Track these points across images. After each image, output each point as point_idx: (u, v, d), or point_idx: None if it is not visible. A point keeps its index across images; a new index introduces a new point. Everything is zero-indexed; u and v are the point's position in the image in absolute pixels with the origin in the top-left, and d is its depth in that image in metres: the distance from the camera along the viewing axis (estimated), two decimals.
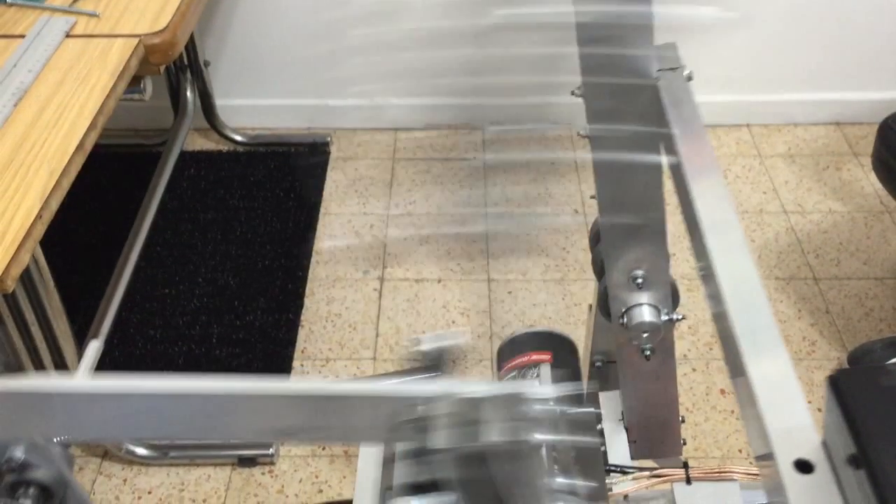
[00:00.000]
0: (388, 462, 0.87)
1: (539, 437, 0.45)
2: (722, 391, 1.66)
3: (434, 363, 0.56)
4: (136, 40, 1.24)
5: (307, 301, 1.86)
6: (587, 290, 1.88)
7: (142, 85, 1.23)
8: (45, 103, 1.10)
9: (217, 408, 0.49)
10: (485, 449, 0.44)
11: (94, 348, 0.62)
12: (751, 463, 1.53)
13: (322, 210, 2.09)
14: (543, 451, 0.50)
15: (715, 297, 0.63)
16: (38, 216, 0.93)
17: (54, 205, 0.97)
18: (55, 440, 0.58)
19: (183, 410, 0.49)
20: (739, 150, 2.26)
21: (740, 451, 1.56)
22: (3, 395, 0.48)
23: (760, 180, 2.16)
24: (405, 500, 0.50)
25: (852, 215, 2.05)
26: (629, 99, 0.80)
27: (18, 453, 0.56)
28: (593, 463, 0.74)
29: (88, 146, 1.05)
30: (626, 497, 0.79)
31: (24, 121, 1.07)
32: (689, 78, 0.78)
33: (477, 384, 0.46)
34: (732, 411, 1.62)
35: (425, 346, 0.55)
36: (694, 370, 1.70)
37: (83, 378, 0.49)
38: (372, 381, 0.52)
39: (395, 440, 0.49)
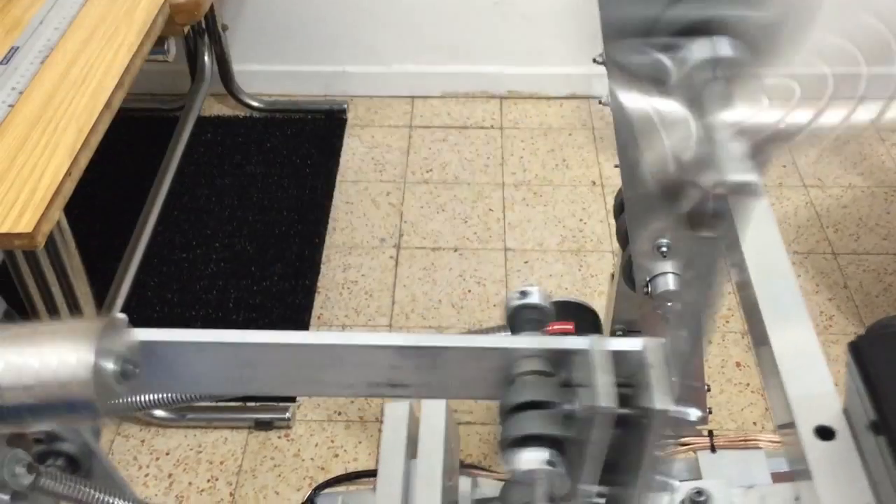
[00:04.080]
0: (413, 429, 0.87)
1: (649, 405, 0.42)
2: (738, 364, 1.66)
3: (516, 320, 0.54)
4: None
5: (323, 267, 1.86)
6: (604, 261, 1.88)
7: (166, 46, 1.23)
8: (73, 61, 1.10)
9: (310, 360, 0.47)
10: (599, 411, 0.41)
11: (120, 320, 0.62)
12: (773, 430, 1.53)
13: (339, 177, 2.09)
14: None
15: (738, 266, 0.63)
16: (68, 173, 0.94)
17: (83, 162, 0.98)
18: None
19: (278, 363, 0.48)
20: None
21: (755, 423, 1.57)
22: None
23: (780, 154, 2.14)
24: (505, 453, 0.47)
25: (872, 190, 2.04)
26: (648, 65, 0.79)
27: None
28: None
29: (116, 105, 1.05)
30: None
31: (51, 78, 1.08)
32: (714, 44, 0.77)
33: (591, 340, 0.44)
34: (748, 384, 1.63)
35: (512, 303, 0.53)
36: (709, 342, 1.70)
37: None
38: (463, 336, 0.48)
39: (500, 396, 0.46)
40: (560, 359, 0.46)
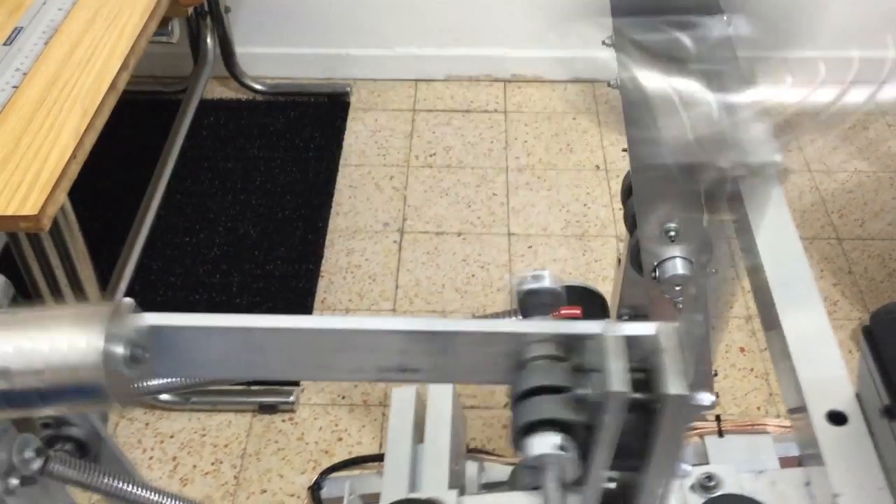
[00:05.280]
0: (420, 414, 0.87)
1: (661, 390, 0.41)
2: (741, 349, 1.66)
3: (526, 304, 0.54)
4: None
5: (327, 252, 1.86)
6: (607, 246, 1.87)
7: (169, 27, 1.23)
8: (77, 42, 1.10)
9: (317, 345, 0.47)
10: (611, 396, 0.41)
11: (127, 304, 0.61)
12: (778, 415, 1.53)
13: (342, 161, 2.09)
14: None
15: (749, 250, 0.62)
16: (73, 155, 0.93)
17: (88, 144, 0.97)
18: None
19: (288, 347, 0.47)
20: None
21: (758, 408, 1.57)
22: None
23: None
24: (516, 439, 0.46)
25: (878, 175, 2.03)
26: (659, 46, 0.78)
27: None
28: None
29: (121, 86, 1.04)
30: None
31: (55, 59, 1.07)
32: (730, 22, 0.76)
33: (603, 325, 0.43)
34: (751, 369, 1.63)
35: (519, 286, 0.53)
36: (713, 328, 1.70)
37: None
38: (471, 320, 0.48)
39: (509, 381, 0.46)
40: (572, 343, 0.45)
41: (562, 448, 0.42)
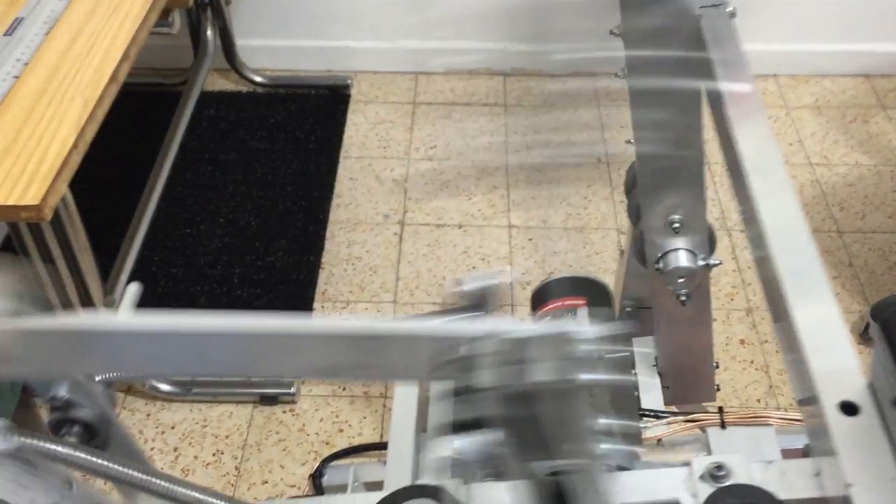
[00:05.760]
0: (423, 404, 0.88)
1: (585, 377, 0.44)
2: (742, 341, 1.66)
3: (476, 303, 0.55)
4: None
5: (328, 244, 1.85)
6: (608, 239, 1.87)
7: (170, 18, 1.22)
8: (77, 32, 1.09)
9: (261, 346, 0.49)
10: (531, 388, 0.44)
11: (133, 289, 0.61)
12: (779, 407, 1.54)
13: (342, 153, 2.08)
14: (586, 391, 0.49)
15: (758, 241, 0.62)
16: (74, 146, 0.93)
17: (89, 135, 0.97)
18: (98, 378, 0.58)
19: (227, 348, 0.49)
20: (766, 101, 2.23)
21: (758, 400, 1.57)
22: (48, 333, 0.48)
23: (786, 132, 2.13)
24: (447, 439, 0.49)
25: (878, 168, 2.03)
26: (670, 36, 0.78)
27: (62, 392, 0.56)
28: (628, 404, 0.74)
29: (122, 77, 1.04)
30: (659, 441, 0.79)
31: (56, 50, 1.06)
32: (733, 15, 0.75)
33: (522, 323, 0.45)
34: (752, 361, 1.63)
35: (468, 286, 0.55)
36: (714, 320, 1.70)
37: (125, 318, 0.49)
38: (414, 320, 0.51)
39: (437, 378, 0.49)
40: (492, 342, 0.47)
41: (496, 444, 0.44)
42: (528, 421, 0.45)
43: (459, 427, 0.49)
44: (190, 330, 0.48)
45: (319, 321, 0.48)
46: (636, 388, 0.86)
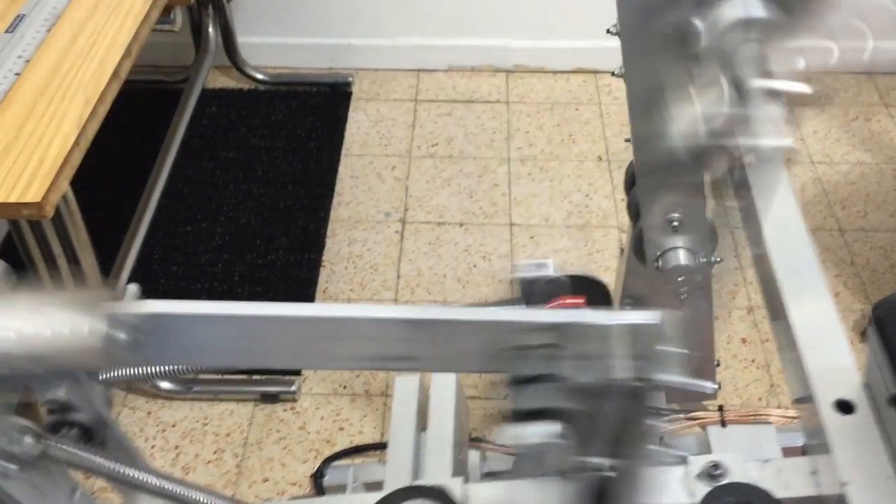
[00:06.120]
0: (423, 403, 0.87)
1: (662, 377, 0.42)
2: (743, 340, 1.66)
3: (523, 294, 0.54)
4: None
5: (329, 241, 1.85)
6: (609, 237, 1.87)
7: (171, 15, 1.22)
8: (79, 29, 1.09)
9: (317, 333, 0.47)
10: (611, 385, 0.42)
11: (133, 290, 0.61)
12: (779, 405, 1.53)
13: (344, 151, 2.08)
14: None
15: (755, 239, 0.62)
16: (76, 143, 0.93)
17: (91, 132, 0.97)
18: (99, 378, 0.58)
19: (277, 336, 0.48)
20: None
21: (759, 398, 1.57)
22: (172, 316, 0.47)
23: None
24: (513, 427, 0.47)
25: (880, 167, 2.02)
26: (666, 34, 0.78)
27: (60, 394, 0.56)
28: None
29: (123, 74, 1.04)
30: (660, 439, 0.79)
31: (58, 46, 1.06)
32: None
33: (604, 314, 0.43)
34: (753, 360, 1.62)
35: (521, 275, 0.53)
36: (716, 318, 1.70)
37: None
38: (472, 308, 0.48)
39: (495, 370, 0.46)
40: (570, 332, 0.45)
41: (559, 437, 0.42)
42: (595, 415, 0.43)
43: (523, 416, 0.46)
44: (240, 314, 0.47)
45: (376, 307, 0.46)
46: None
